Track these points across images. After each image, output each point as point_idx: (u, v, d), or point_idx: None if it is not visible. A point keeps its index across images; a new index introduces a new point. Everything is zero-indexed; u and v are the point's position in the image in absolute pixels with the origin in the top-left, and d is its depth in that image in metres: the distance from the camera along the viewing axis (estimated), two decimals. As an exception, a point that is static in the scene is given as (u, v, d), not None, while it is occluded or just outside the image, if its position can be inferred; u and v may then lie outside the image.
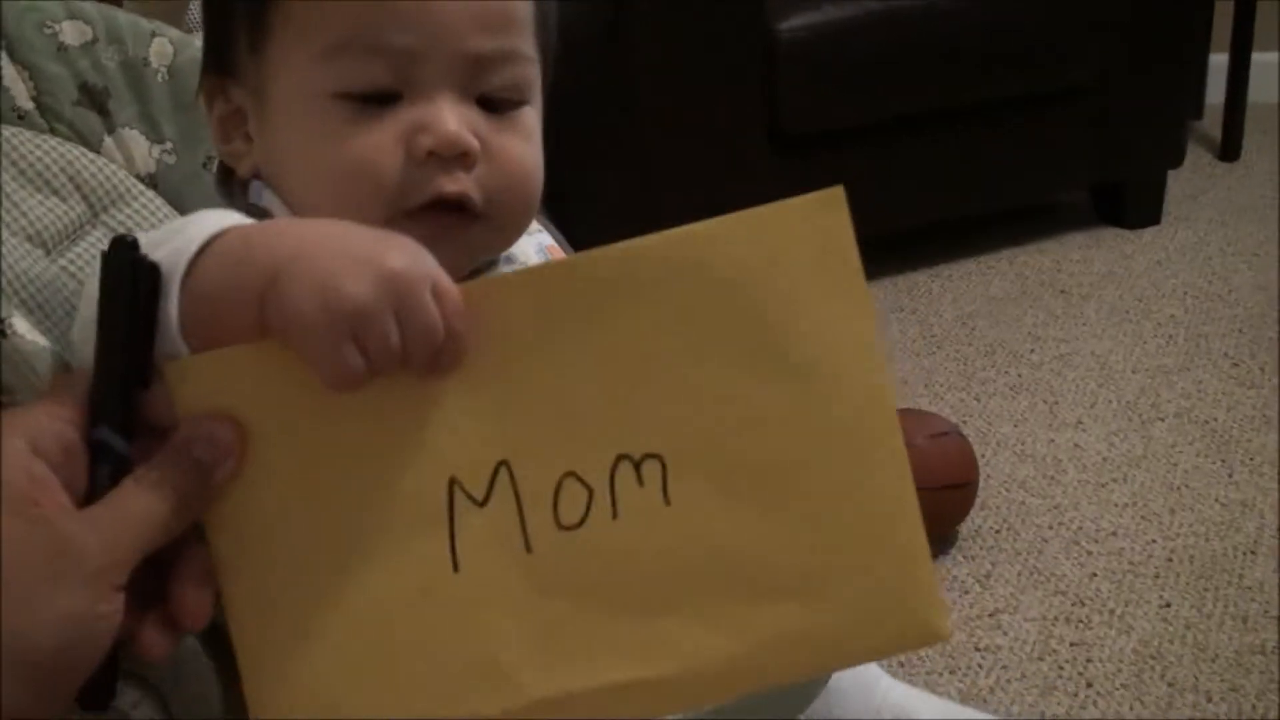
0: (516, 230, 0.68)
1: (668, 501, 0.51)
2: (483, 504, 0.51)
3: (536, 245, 0.75)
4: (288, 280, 0.50)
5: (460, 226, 0.63)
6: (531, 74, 0.68)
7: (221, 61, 0.70)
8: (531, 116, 0.68)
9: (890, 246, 2.23)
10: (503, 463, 0.52)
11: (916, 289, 2.16)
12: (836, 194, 0.53)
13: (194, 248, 0.53)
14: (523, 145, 0.66)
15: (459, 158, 0.63)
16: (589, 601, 0.51)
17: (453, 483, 0.51)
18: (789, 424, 0.52)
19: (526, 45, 0.67)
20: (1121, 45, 2.21)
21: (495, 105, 0.66)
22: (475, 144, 0.63)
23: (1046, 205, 2.44)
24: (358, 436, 0.51)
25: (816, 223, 0.53)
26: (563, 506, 0.52)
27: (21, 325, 0.58)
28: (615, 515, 0.51)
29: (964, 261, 2.25)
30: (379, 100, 0.63)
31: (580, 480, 0.52)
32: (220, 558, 0.51)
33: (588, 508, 0.51)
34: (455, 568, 0.51)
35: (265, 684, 0.51)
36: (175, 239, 0.54)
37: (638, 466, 0.52)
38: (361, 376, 0.50)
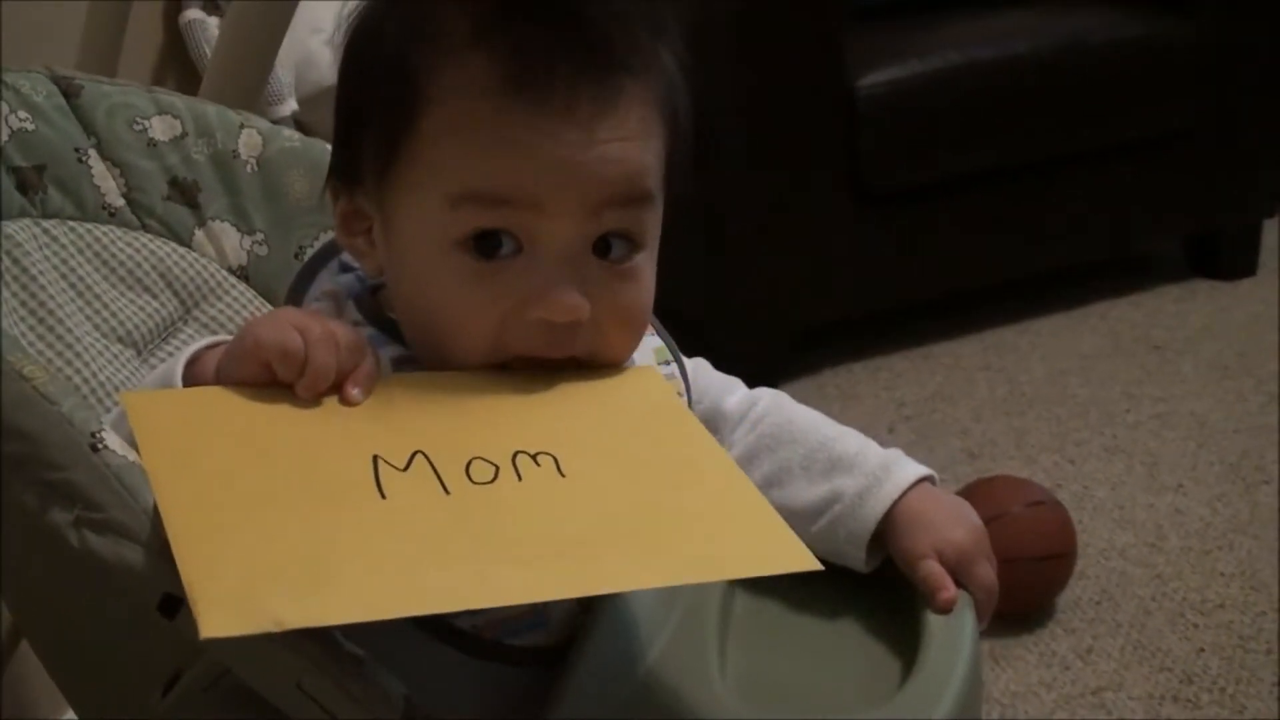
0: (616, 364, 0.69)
1: (563, 475, 0.60)
2: (403, 470, 0.59)
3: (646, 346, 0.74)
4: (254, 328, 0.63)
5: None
6: (654, 216, 0.67)
7: (348, 170, 0.69)
8: (645, 261, 0.67)
9: (976, 302, 2.19)
10: (418, 451, 0.60)
11: (1004, 346, 2.12)
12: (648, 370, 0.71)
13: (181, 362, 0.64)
14: (633, 294, 0.66)
15: (568, 324, 0.63)
16: (505, 522, 0.57)
17: (376, 458, 0.59)
18: (645, 449, 0.65)
19: (655, 189, 0.66)
20: (1212, 92, 2.16)
21: (611, 250, 0.65)
22: (586, 311, 0.63)
23: (1137, 257, 2.38)
24: (291, 435, 0.60)
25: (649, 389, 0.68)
26: (474, 473, 0.59)
27: (113, 440, 0.58)
28: (520, 479, 0.60)
29: (1053, 317, 2.19)
30: (492, 250, 0.63)
31: (486, 460, 0.60)
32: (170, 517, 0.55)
33: (495, 475, 0.59)
34: (381, 495, 0.57)
35: (210, 601, 0.51)
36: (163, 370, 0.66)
37: (534, 458, 0.61)
38: (300, 363, 0.60)
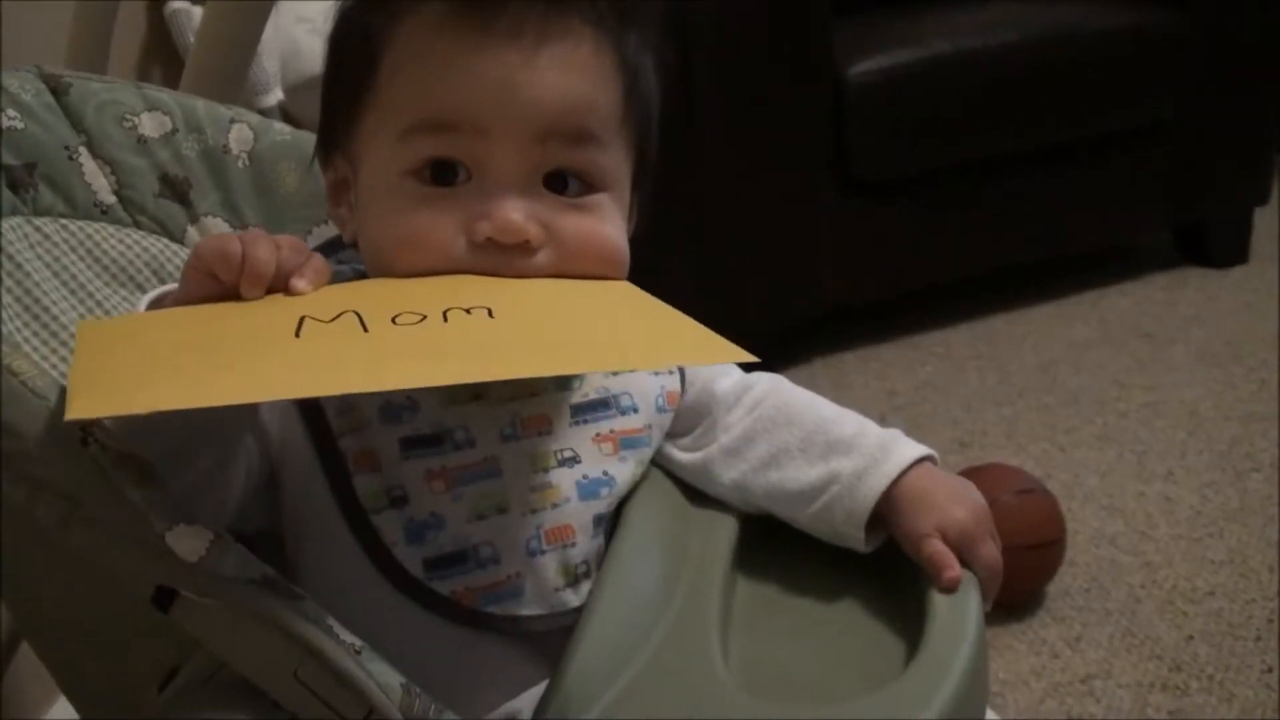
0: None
1: (492, 316, 0.59)
2: (327, 323, 0.58)
3: (658, 388, 0.75)
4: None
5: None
6: (610, 162, 0.68)
7: (329, 134, 0.73)
8: (608, 203, 0.68)
9: (967, 292, 2.19)
10: (348, 310, 0.59)
11: (995, 335, 2.12)
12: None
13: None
14: (594, 224, 0.67)
15: (519, 244, 0.65)
16: (416, 337, 0.56)
17: (303, 318, 0.58)
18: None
19: (606, 132, 0.67)
20: (1202, 79, 2.16)
21: (567, 188, 0.66)
22: (535, 232, 0.65)
23: (1127, 245, 2.39)
24: (225, 316, 0.60)
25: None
26: (399, 320, 0.58)
27: (104, 434, 0.57)
28: (445, 322, 0.58)
29: (1043, 306, 2.20)
30: (448, 179, 0.65)
31: (415, 313, 0.59)
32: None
33: (421, 320, 0.58)
34: (297, 335, 0.56)
35: (81, 390, 0.50)
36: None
37: (467, 311, 0.59)
38: (239, 261, 0.60)
